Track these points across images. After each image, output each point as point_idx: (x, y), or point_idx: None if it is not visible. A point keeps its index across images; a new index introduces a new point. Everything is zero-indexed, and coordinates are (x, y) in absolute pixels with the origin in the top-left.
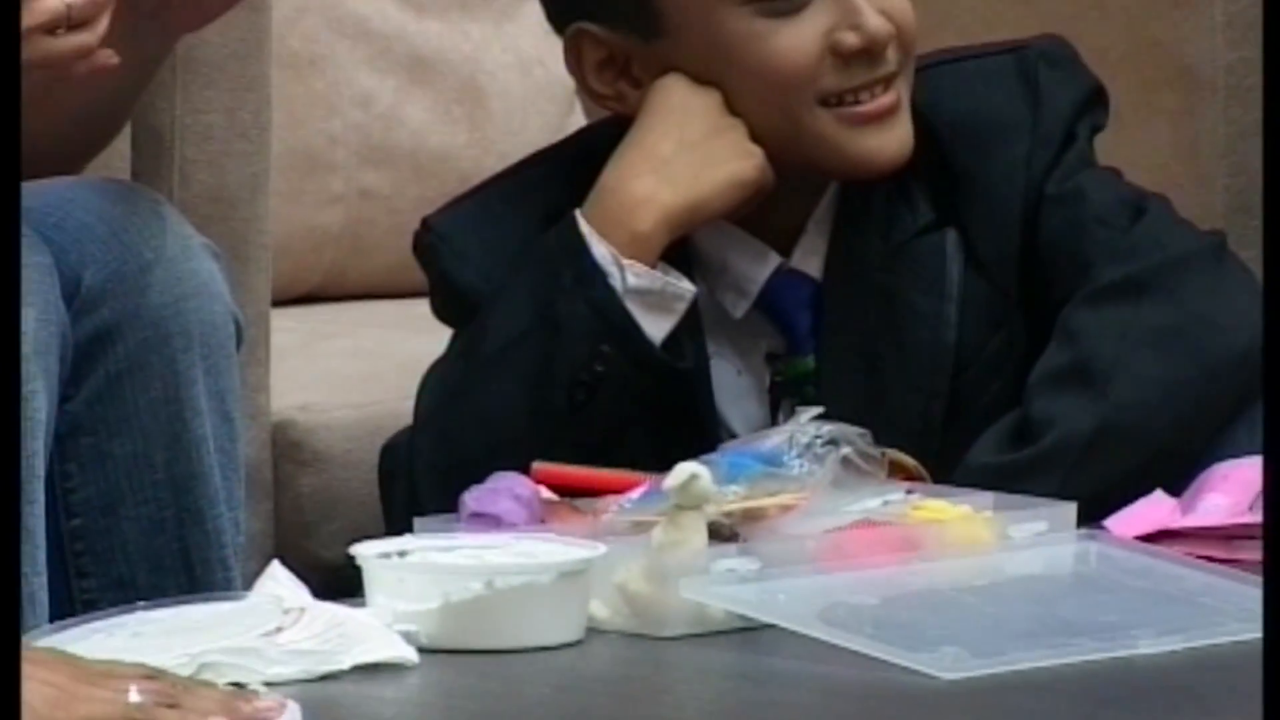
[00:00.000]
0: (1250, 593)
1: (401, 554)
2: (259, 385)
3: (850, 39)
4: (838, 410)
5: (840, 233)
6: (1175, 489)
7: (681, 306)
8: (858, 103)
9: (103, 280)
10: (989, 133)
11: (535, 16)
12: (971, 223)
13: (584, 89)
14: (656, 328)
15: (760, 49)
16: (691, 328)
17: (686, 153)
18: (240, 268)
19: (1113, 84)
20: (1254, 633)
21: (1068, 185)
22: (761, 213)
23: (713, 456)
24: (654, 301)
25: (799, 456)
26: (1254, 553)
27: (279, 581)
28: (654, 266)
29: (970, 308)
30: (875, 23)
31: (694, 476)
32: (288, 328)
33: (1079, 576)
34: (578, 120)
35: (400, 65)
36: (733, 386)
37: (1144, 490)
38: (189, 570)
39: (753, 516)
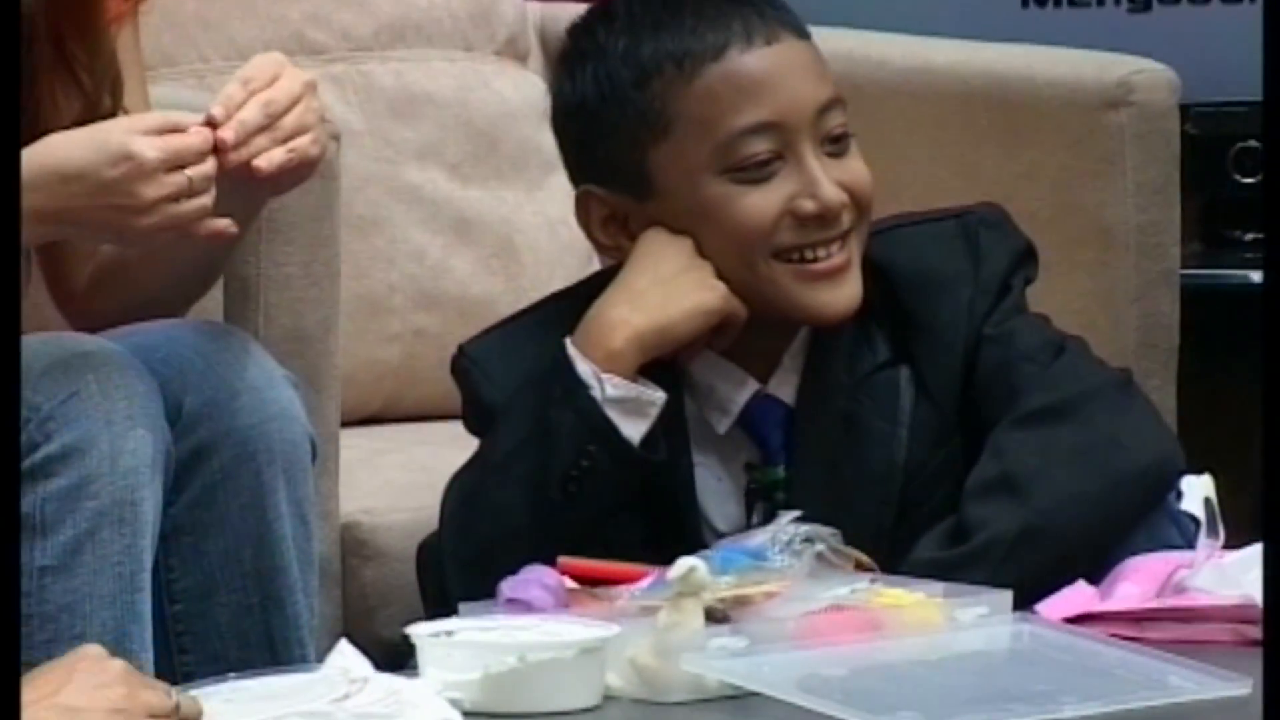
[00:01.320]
0: (1156, 665)
1: (449, 633)
2: (330, 493)
3: (807, 205)
4: (804, 513)
5: (811, 365)
6: (1092, 579)
7: (654, 411)
8: (814, 260)
9: (200, 406)
10: (938, 284)
11: (559, 186)
12: (921, 358)
13: (590, 239)
14: (634, 429)
15: (729, 209)
16: (675, 436)
17: (658, 286)
18: (314, 395)
19: (1041, 241)
20: (1161, 699)
21: (1003, 328)
22: (743, 345)
23: (708, 552)
24: (630, 407)
25: (780, 552)
26: (1160, 632)
27: (346, 656)
28: (631, 379)
29: (918, 430)
30: (830, 192)
31: (693, 568)
32: (354, 445)
33: (1014, 652)
34: (595, 269)
35: (448, 226)
36: (716, 490)
37: (1063, 582)
38: (271, 647)
39: (742, 602)
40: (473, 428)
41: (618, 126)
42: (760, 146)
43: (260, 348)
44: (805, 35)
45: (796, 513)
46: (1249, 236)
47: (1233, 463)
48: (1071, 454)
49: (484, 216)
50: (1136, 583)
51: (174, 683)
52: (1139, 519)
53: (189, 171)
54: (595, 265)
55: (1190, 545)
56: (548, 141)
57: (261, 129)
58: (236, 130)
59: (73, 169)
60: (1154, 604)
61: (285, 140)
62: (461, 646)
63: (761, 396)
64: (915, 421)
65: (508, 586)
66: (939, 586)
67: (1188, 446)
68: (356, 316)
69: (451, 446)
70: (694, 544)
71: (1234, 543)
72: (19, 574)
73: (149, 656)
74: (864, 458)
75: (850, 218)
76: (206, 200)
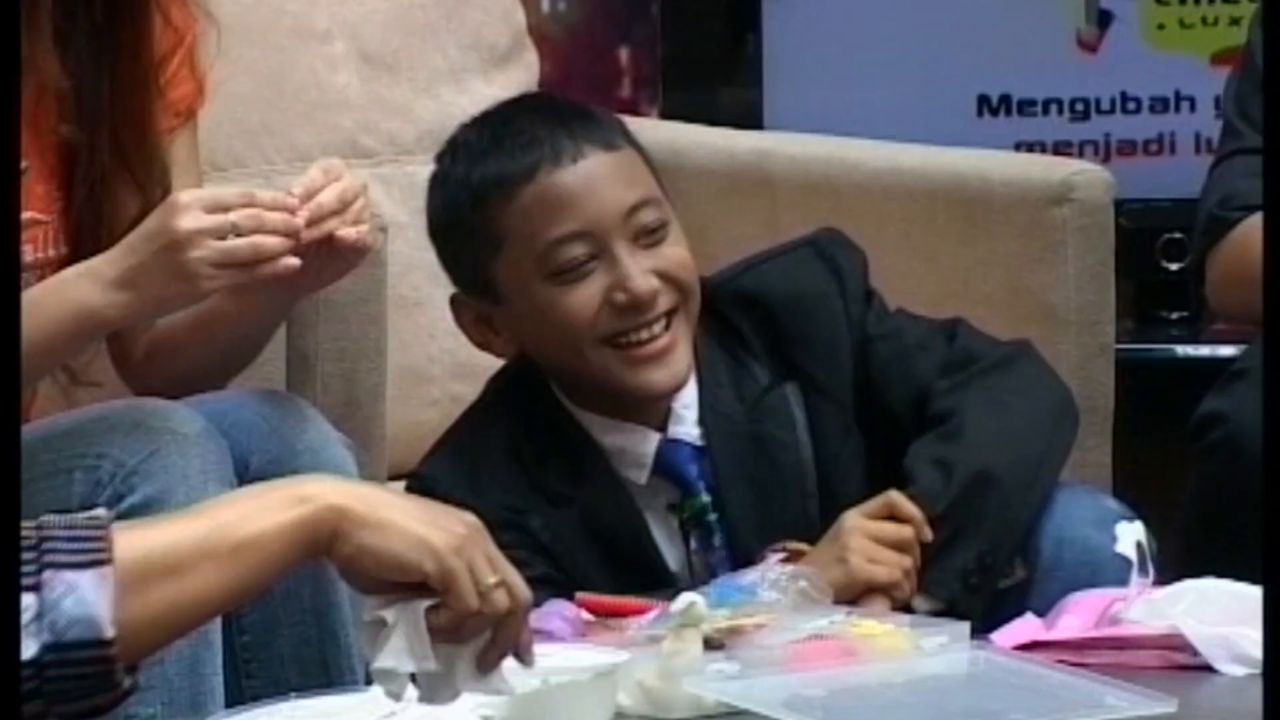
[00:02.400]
0: (1094, 687)
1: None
2: None
3: (620, 296)
4: (739, 525)
5: (705, 404)
6: (1039, 612)
7: None
8: (638, 343)
9: (264, 463)
10: (809, 301)
11: None
12: (810, 368)
13: (468, 338)
14: None
15: (556, 308)
16: (621, 496)
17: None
18: (364, 453)
19: (994, 319)
20: (1099, 716)
21: (885, 327)
22: (632, 404)
23: (705, 588)
24: None
25: (769, 589)
26: (1098, 658)
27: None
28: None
29: (818, 433)
30: (639, 283)
31: (693, 603)
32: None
33: (971, 676)
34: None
35: None
36: (658, 537)
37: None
38: (326, 672)
39: (735, 632)
40: None
41: (464, 244)
42: (575, 251)
43: (317, 413)
44: (615, 147)
45: (781, 553)
46: (1175, 315)
47: (1160, 512)
48: (999, 401)
49: None
50: (1077, 615)
51: (241, 702)
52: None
53: (232, 215)
54: None
55: (1124, 583)
56: None
57: (335, 212)
58: (312, 210)
59: (126, 240)
60: (1093, 634)
61: (354, 223)
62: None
63: (666, 442)
64: (814, 425)
65: (532, 618)
66: (905, 619)
67: (1121, 498)
68: (401, 384)
69: None
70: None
71: (1161, 580)
72: (19, 574)
73: (219, 680)
74: (777, 466)
75: (669, 300)
76: (262, 240)
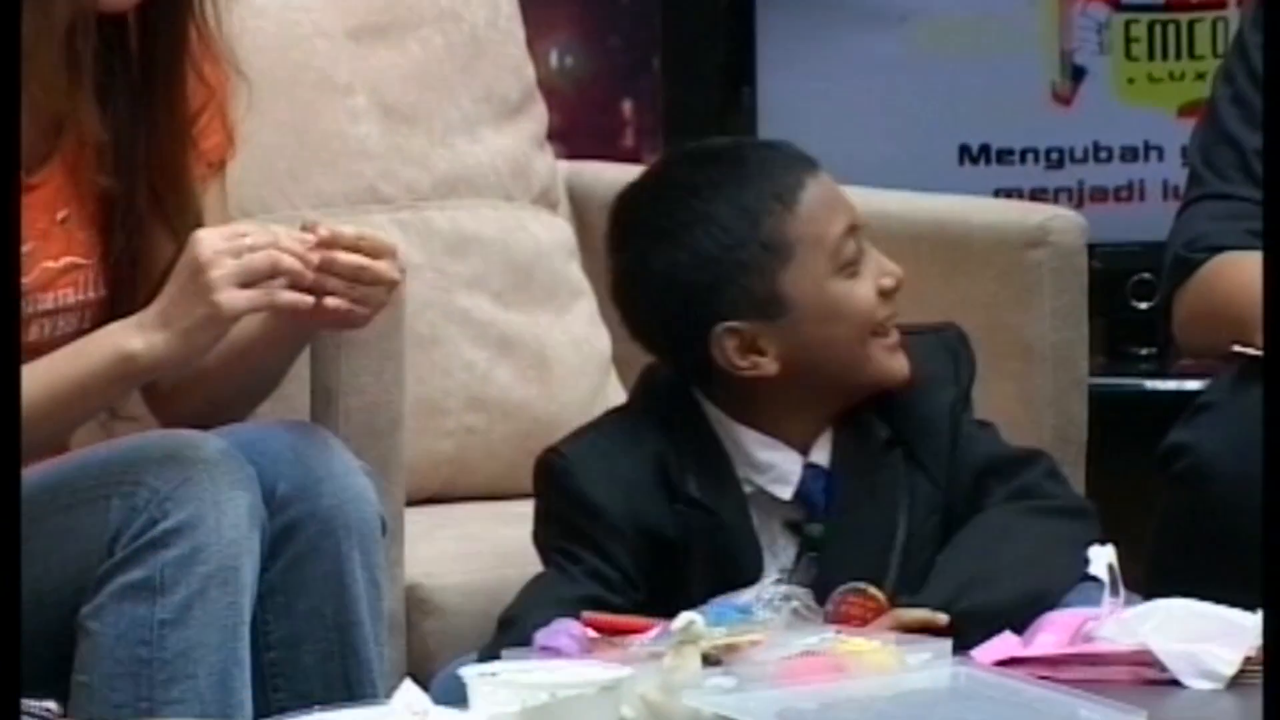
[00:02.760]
0: (1068, 701)
1: (493, 674)
2: (396, 560)
3: (887, 283)
4: (836, 556)
5: (839, 442)
6: (1018, 630)
7: None
8: (888, 334)
9: (290, 490)
10: (929, 384)
11: (582, 310)
12: (915, 441)
13: (726, 367)
14: None
15: (849, 301)
16: (736, 501)
17: None
18: (384, 481)
19: (976, 354)
20: None
21: (973, 426)
22: (783, 424)
23: (704, 608)
24: None
25: (763, 609)
26: (1072, 674)
27: (410, 694)
28: None
29: (915, 500)
30: (895, 267)
31: (692, 621)
32: (416, 521)
33: (953, 690)
34: (614, 381)
35: (492, 342)
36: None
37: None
38: (348, 686)
39: (732, 649)
40: (563, 530)
41: (745, 265)
42: (852, 245)
43: (339, 443)
44: None
45: (780, 577)
46: (1144, 351)
47: (1130, 537)
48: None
49: (521, 335)
50: (1053, 633)
51: (269, 713)
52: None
53: (247, 239)
54: (613, 377)
55: (1096, 603)
56: (575, 274)
57: (342, 277)
58: (323, 260)
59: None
60: (1067, 650)
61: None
62: (503, 685)
63: (807, 466)
64: (913, 492)
65: (541, 636)
66: (892, 636)
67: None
68: (418, 416)
69: (495, 521)
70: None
71: (1132, 600)
72: (19, 574)
73: (248, 694)
74: (881, 513)
75: None
76: (277, 255)
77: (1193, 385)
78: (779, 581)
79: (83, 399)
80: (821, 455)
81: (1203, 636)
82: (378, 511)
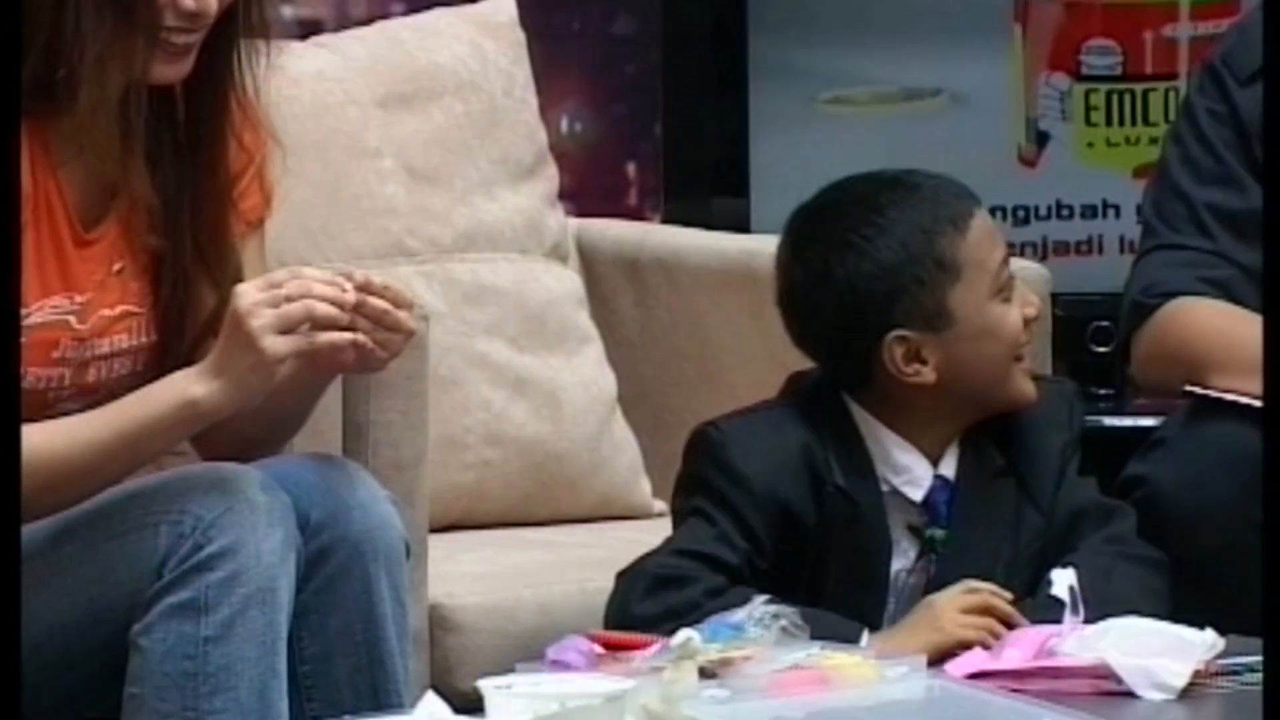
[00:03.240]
0: (1033, 710)
1: (509, 686)
2: (420, 581)
3: (1031, 310)
4: (952, 562)
5: (965, 459)
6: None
7: None
8: (1025, 359)
9: (321, 518)
10: (1048, 428)
11: (591, 354)
12: (1027, 474)
13: (892, 371)
14: None
15: (1005, 323)
16: (875, 498)
17: None
18: (409, 509)
19: None
20: None
21: (1076, 472)
22: (920, 434)
23: (700, 626)
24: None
25: (755, 626)
26: (1037, 685)
27: (433, 704)
28: None
29: (1021, 526)
30: (1037, 299)
31: (689, 638)
32: (438, 545)
33: (928, 701)
34: (619, 419)
35: (508, 384)
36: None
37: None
38: (375, 697)
39: (726, 663)
40: (710, 495)
41: (920, 278)
42: (1007, 272)
43: (368, 474)
44: None
45: (768, 597)
46: (1103, 392)
47: None
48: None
49: (535, 377)
50: (1019, 648)
51: None
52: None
53: (283, 289)
54: (618, 414)
55: (1059, 621)
56: (584, 321)
57: (370, 320)
58: (357, 304)
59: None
60: (1032, 664)
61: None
62: (518, 696)
63: (936, 476)
64: (1021, 516)
65: (552, 651)
66: (871, 651)
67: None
68: (440, 450)
69: (511, 546)
70: (881, 586)
71: (1091, 618)
72: (19, 575)
73: (284, 704)
74: (993, 530)
75: None
76: (312, 303)
77: (1148, 422)
78: (771, 600)
79: (149, 441)
80: (948, 469)
81: (1155, 651)
82: (403, 537)
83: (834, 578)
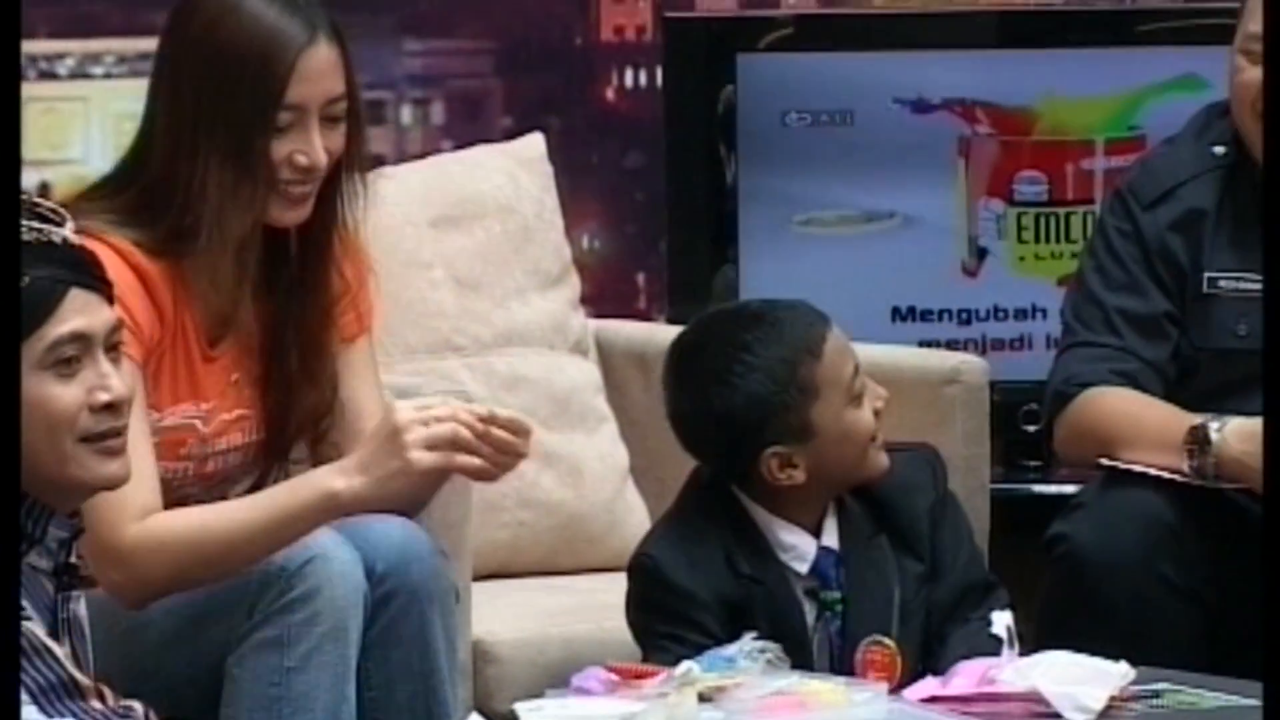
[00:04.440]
0: None
1: (540, 709)
2: (465, 621)
3: (879, 403)
4: (854, 617)
5: (841, 527)
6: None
7: None
8: (878, 439)
9: (385, 569)
10: (913, 490)
11: (607, 433)
12: (903, 529)
13: (768, 478)
14: None
15: (857, 425)
16: (781, 574)
17: None
18: (456, 561)
19: None
20: None
21: (946, 527)
22: (800, 512)
23: (700, 658)
24: None
25: (744, 659)
26: (979, 709)
27: None
28: None
29: (904, 575)
30: (883, 390)
31: (690, 669)
32: (480, 592)
33: None
34: (631, 487)
35: (540, 457)
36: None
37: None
38: (430, 718)
39: (720, 689)
40: (655, 616)
41: (785, 404)
42: (859, 380)
43: (424, 532)
44: None
45: (754, 634)
46: (1033, 464)
47: (1024, 604)
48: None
49: (560, 451)
50: (964, 677)
51: None
52: None
53: (434, 410)
54: (630, 483)
55: (998, 654)
56: (601, 405)
57: (495, 447)
58: (484, 435)
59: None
60: (975, 690)
61: (499, 458)
62: (548, 717)
63: (820, 547)
64: (901, 569)
65: (576, 679)
66: (842, 679)
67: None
68: (481, 512)
69: (541, 592)
70: (805, 642)
71: (1024, 652)
72: (18, 582)
73: None
74: (883, 583)
75: None
76: (458, 428)
77: (1069, 489)
78: (758, 638)
79: (293, 526)
80: (830, 539)
81: (1078, 680)
82: (453, 585)
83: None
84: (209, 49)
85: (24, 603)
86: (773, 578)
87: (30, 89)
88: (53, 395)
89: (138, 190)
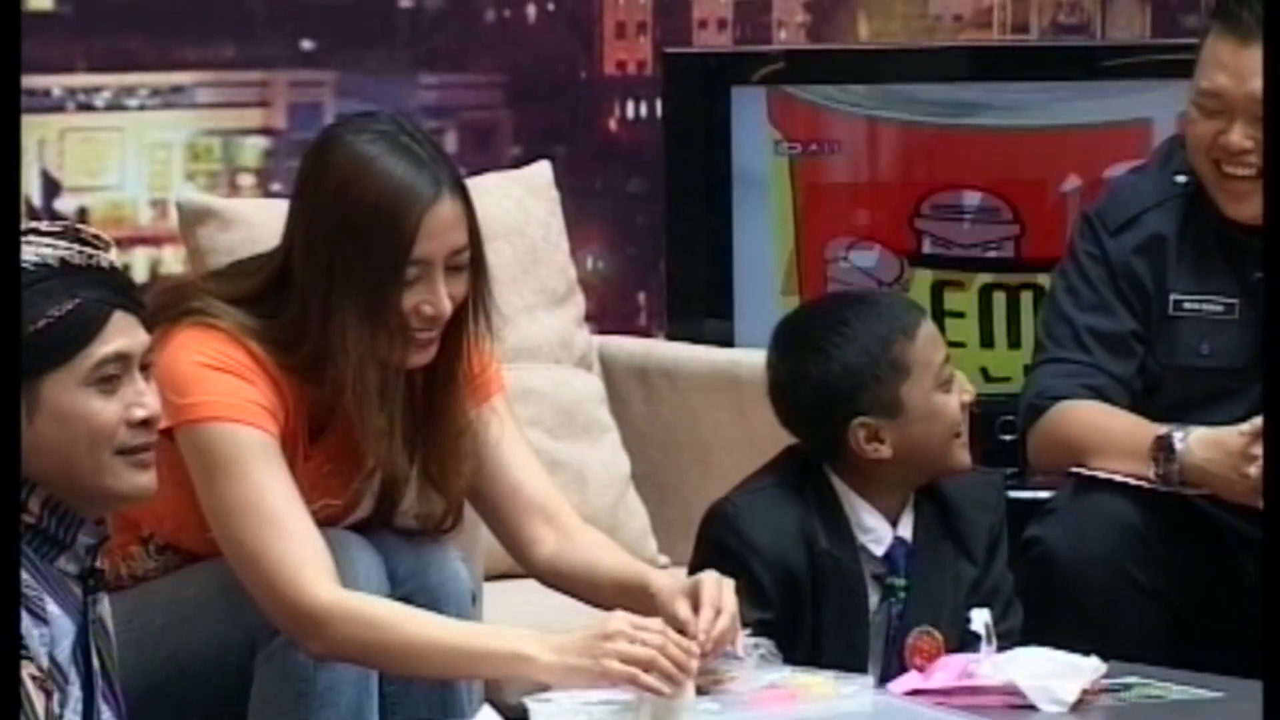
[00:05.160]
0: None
1: (548, 700)
2: (478, 619)
3: (967, 397)
4: (912, 606)
5: (918, 523)
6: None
7: None
8: (963, 435)
9: (405, 572)
10: (977, 503)
11: (610, 442)
12: (965, 537)
13: (856, 449)
14: None
15: (947, 407)
16: (851, 554)
17: None
18: (470, 563)
19: None
20: None
21: (1002, 542)
22: (882, 498)
23: None
24: None
25: (739, 654)
26: (960, 700)
27: (488, 715)
28: None
29: (961, 576)
30: (972, 387)
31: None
32: (491, 590)
33: (876, 712)
34: (632, 493)
35: (546, 464)
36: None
37: None
38: (445, 710)
39: (716, 682)
40: (729, 550)
41: (878, 376)
42: (948, 368)
43: (442, 538)
44: None
45: (748, 630)
46: (1010, 471)
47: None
48: None
49: (566, 459)
50: (946, 671)
51: None
52: None
53: (644, 635)
54: (631, 489)
55: (977, 650)
56: (604, 416)
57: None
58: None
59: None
60: (956, 684)
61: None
62: (554, 706)
63: (895, 537)
64: (958, 572)
65: None
66: (830, 674)
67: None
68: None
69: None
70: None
71: (1001, 648)
72: (18, 579)
73: (375, 717)
74: (942, 580)
75: None
76: (658, 657)
77: (1043, 495)
78: (754, 634)
79: (475, 663)
80: (905, 530)
81: (1052, 673)
82: (469, 587)
83: (827, 619)
84: (343, 207)
85: (31, 632)
86: (848, 555)
87: (69, 120)
88: (95, 410)
89: (274, 316)
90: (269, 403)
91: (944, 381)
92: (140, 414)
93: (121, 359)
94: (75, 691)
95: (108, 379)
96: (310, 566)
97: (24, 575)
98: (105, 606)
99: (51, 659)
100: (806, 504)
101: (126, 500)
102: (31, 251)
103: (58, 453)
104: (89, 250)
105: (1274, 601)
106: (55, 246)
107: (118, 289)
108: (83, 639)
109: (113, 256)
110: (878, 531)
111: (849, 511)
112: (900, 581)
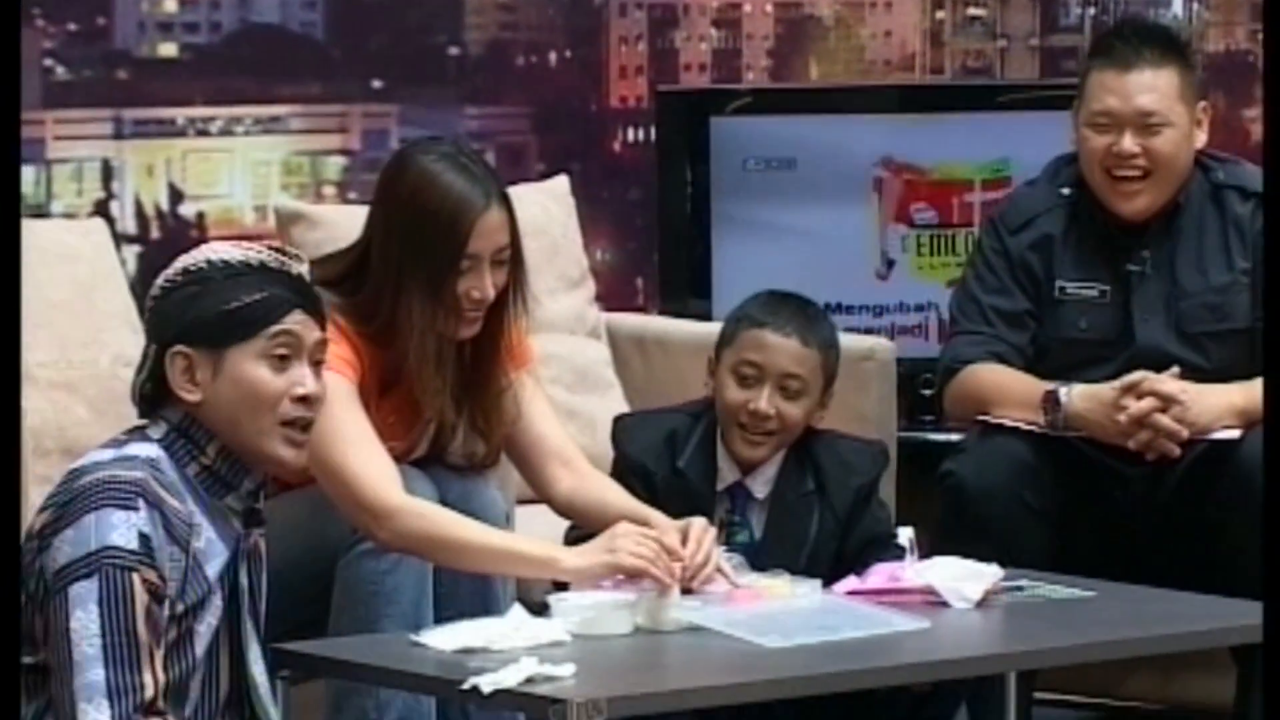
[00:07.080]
0: (885, 614)
1: (564, 599)
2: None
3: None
4: (774, 548)
5: (781, 478)
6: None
7: None
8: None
9: (453, 498)
10: (849, 469)
11: (616, 396)
12: (832, 493)
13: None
14: None
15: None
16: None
17: None
18: (504, 490)
19: (840, 423)
20: (886, 629)
21: (878, 503)
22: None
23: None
24: None
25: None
26: (889, 600)
27: (517, 612)
28: None
29: (822, 527)
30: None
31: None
32: (520, 513)
33: (823, 607)
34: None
35: (564, 413)
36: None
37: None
38: (485, 607)
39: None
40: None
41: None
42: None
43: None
44: None
45: (725, 547)
46: (928, 418)
47: (923, 522)
48: None
49: (579, 409)
50: (878, 575)
51: (440, 623)
52: None
53: (647, 542)
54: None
55: (902, 559)
56: (610, 376)
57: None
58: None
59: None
60: (885, 586)
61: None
62: (570, 603)
63: (737, 485)
64: (821, 523)
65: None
66: (789, 577)
67: (902, 516)
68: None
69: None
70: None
71: (921, 557)
72: (19, 576)
73: (430, 612)
74: (799, 532)
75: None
76: (645, 551)
77: (956, 437)
78: (729, 549)
79: (513, 563)
80: (758, 486)
81: (961, 577)
82: (504, 509)
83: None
84: (413, 209)
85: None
86: (699, 478)
87: (190, 143)
88: (265, 379)
89: (353, 295)
90: (351, 359)
91: (742, 379)
92: (301, 390)
93: (294, 342)
94: (217, 601)
95: (280, 358)
96: (383, 476)
97: (181, 506)
98: (259, 539)
99: (201, 573)
100: (691, 432)
101: (276, 465)
102: (239, 253)
103: (231, 411)
104: (283, 259)
105: (1274, 596)
106: (260, 252)
107: (301, 292)
108: (233, 563)
109: (303, 269)
110: (723, 472)
111: (721, 459)
112: (736, 519)
